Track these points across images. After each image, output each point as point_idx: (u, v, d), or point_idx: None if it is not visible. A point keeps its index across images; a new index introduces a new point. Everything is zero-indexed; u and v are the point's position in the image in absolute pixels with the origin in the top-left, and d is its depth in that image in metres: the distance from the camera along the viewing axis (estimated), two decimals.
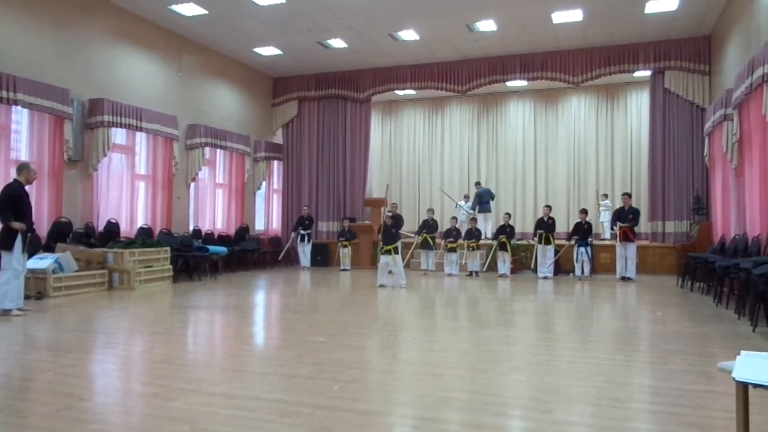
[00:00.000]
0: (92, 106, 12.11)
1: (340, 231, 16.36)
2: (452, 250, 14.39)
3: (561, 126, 19.09)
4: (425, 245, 14.67)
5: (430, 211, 15.43)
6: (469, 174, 19.98)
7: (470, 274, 14.17)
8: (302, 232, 16.03)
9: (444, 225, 16.17)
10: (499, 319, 8.05)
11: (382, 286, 11.27)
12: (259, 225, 17.90)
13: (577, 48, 15.33)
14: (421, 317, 8.41)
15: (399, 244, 11.62)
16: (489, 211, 17.38)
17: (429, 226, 14.89)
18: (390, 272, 11.61)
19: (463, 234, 14.62)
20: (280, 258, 16.17)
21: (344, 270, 15.54)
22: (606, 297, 10.52)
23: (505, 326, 7.50)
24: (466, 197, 18.32)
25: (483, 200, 17.26)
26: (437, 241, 14.83)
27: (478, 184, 18.10)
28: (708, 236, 13.21)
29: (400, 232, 14.56)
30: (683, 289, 11.43)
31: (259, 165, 17.42)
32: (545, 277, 13.56)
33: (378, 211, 17.31)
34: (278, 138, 18.52)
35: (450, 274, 14.31)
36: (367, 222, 17.00)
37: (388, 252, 11.55)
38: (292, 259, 16.72)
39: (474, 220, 15.04)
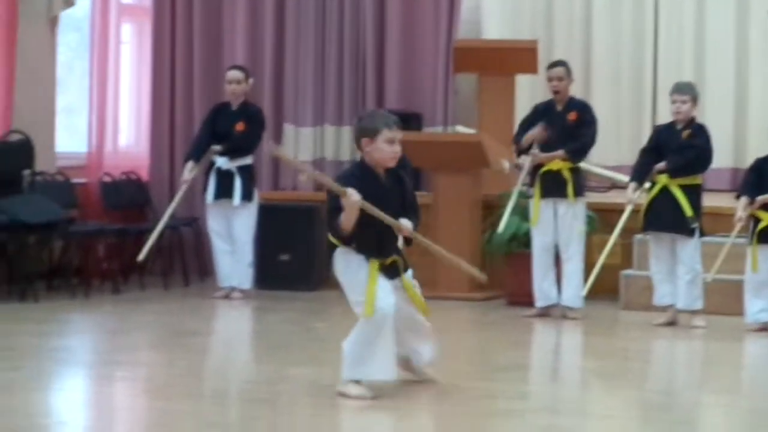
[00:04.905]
0: None
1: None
2: None
3: None
4: (658, 220, 5.83)
5: (684, 89, 5.75)
6: None
7: None
8: (221, 164, 6.90)
9: (736, 141, 8.03)
10: None
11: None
12: (76, 143, 9.38)
13: None
14: None
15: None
16: None
17: (679, 143, 5.78)
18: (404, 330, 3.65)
19: None
20: (140, 258, 6.87)
21: None
22: None
23: None
24: None
25: None
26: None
27: None
28: None
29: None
30: None
31: None
32: None
33: (508, 84, 8.22)
34: None
35: None
36: (461, 128, 8.07)
37: (395, 271, 3.53)
38: (186, 264, 7.71)
39: None
